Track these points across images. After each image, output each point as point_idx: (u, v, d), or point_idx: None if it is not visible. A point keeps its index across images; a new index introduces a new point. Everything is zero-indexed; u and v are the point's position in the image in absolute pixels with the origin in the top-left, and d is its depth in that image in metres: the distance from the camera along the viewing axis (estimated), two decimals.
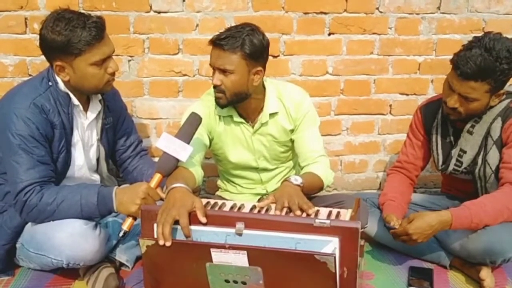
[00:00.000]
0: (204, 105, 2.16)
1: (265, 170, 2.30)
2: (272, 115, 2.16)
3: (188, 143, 1.88)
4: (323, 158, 2.16)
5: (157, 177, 1.90)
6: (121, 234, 1.87)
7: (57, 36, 1.86)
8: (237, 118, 2.15)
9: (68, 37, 1.85)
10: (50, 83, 1.98)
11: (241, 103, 2.09)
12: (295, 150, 2.24)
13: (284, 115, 2.18)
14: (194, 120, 1.94)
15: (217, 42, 1.96)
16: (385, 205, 2.25)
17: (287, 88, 2.21)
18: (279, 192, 1.82)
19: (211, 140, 2.20)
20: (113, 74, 2.00)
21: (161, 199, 1.86)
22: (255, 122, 2.18)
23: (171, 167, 1.88)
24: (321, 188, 2.10)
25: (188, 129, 1.92)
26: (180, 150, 1.86)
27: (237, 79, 1.98)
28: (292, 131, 2.20)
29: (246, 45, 1.95)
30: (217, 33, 2.01)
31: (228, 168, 2.33)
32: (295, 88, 2.23)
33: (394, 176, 2.42)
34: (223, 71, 1.98)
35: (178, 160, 1.87)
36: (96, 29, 1.89)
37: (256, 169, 2.29)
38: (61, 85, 2.00)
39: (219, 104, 2.06)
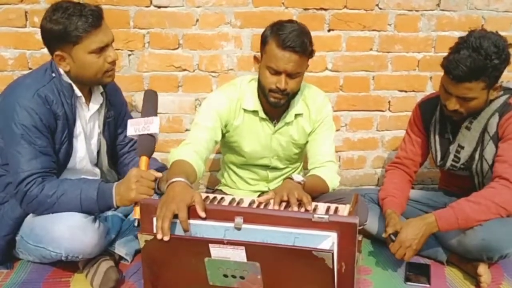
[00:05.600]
0: (227, 97, 2.15)
1: (275, 169, 2.32)
2: (296, 116, 2.18)
3: (154, 115, 1.92)
4: (331, 164, 2.17)
5: (143, 159, 1.90)
6: (136, 224, 1.82)
7: (54, 25, 1.88)
8: (262, 115, 2.16)
9: (65, 25, 1.87)
10: (53, 74, 1.99)
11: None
12: (306, 152, 2.25)
13: (307, 117, 2.20)
14: (150, 96, 2.01)
15: (290, 46, 1.94)
16: (386, 201, 2.27)
17: (312, 90, 2.25)
18: (279, 188, 1.84)
19: (225, 133, 2.20)
20: (113, 63, 2.00)
21: (156, 179, 1.90)
22: (278, 121, 2.18)
23: (150, 144, 1.90)
24: (325, 192, 2.10)
25: (148, 106, 1.97)
26: (148, 125, 1.88)
27: (300, 81, 2.05)
28: (310, 133, 2.22)
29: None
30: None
31: (238, 160, 2.32)
32: (319, 91, 2.27)
33: (394, 172, 2.43)
34: (289, 75, 1.99)
35: (153, 136, 1.90)
36: (93, 16, 1.90)
37: (266, 167, 2.30)
38: (65, 76, 2.00)
39: (279, 105, 2.06)
